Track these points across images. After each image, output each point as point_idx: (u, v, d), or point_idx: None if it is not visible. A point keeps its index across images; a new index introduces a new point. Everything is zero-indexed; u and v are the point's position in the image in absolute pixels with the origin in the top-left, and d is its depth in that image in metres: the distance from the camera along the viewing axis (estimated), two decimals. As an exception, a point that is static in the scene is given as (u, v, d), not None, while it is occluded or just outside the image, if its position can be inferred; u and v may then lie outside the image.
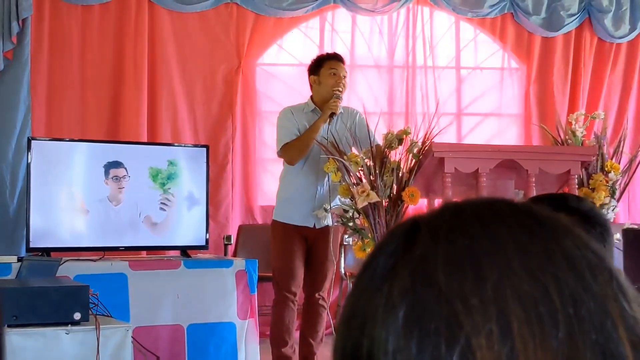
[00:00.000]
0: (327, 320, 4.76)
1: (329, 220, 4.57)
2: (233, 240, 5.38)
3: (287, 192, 4.63)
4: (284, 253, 4.55)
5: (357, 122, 4.68)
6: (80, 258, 4.37)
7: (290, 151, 4.57)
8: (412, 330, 0.56)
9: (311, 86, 4.68)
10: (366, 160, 4.27)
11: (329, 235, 4.59)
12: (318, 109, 4.56)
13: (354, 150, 4.51)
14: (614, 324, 0.56)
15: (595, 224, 1.36)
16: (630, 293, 0.59)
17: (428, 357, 0.55)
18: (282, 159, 4.64)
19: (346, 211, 4.33)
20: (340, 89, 4.57)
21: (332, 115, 4.50)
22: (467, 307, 0.55)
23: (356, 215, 4.31)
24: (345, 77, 4.64)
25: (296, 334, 4.68)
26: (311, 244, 4.60)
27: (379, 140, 4.42)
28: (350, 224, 4.31)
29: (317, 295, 4.58)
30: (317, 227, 4.56)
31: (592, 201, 4.15)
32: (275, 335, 4.57)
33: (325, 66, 4.63)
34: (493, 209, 0.61)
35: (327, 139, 4.48)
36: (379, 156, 4.27)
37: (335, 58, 4.70)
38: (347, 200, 4.48)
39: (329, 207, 4.53)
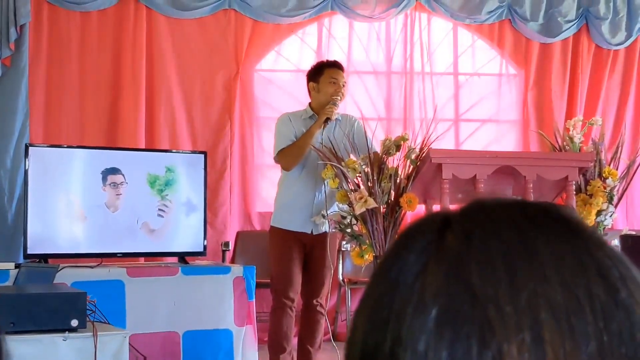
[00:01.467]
0: (325, 326, 4.75)
1: (326, 227, 4.57)
2: (231, 247, 5.37)
3: (285, 198, 4.63)
4: (282, 259, 4.55)
5: (355, 129, 4.69)
6: (78, 265, 4.37)
7: (286, 157, 4.58)
8: (444, 332, 0.56)
9: (310, 92, 4.68)
10: (364, 167, 4.27)
11: (326, 242, 4.58)
12: (316, 115, 4.57)
13: (352, 157, 4.51)
14: None
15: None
16: None
17: None
18: (279, 165, 4.65)
19: (344, 217, 4.33)
20: (339, 97, 4.58)
21: (326, 120, 4.50)
22: (500, 314, 0.55)
23: (354, 221, 4.31)
24: (344, 85, 4.65)
25: (294, 341, 4.68)
26: (309, 250, 4.60)
27: (377, 147, 4.42)
28: (348, 230, 4.31)
29: (315, 301, 4.57)
30: (314, 233, 4.56)
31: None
32: (273, 342, 4.56)
33: (325, 74, 4.63)
34: (527, 214, 0.61)
35: (324, 145, 4.48)
36: (377, 162, 4.27)
37: (336, 66, 4.70)
38: (345, 207, 4.47)
39: (327, 213, 4.53)
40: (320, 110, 4.55)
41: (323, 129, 4.52)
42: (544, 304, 0.55)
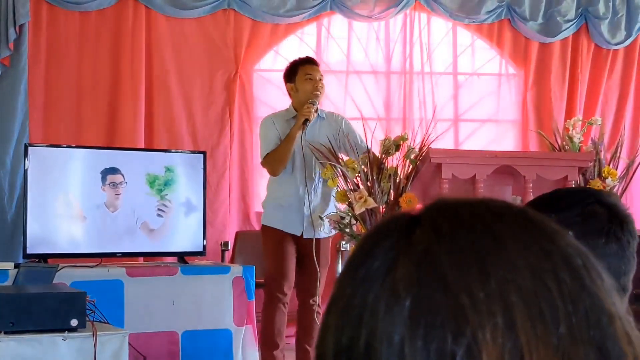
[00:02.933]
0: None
1: (322, 231, 4.54)
2: (230, 247, 5.37)
3: (274, 199, 4.62)
4: (275, 254, 4.54)
5: (343, 127, 4.67)
6: (77, 265, 4.37)
7: (271, 162, 4.58)
8: (418, 322, 0.57)
9: (289, 94, 4.68)
10: (362, 167, 4.27)
11: (319, 244, 4.56)
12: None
13: (342, 156, 4.51)
14: (610, 321, 0.59)
15: (621, 218, 1.36)
16: (614, 293, 0.61)
17: (434, 349, 0.56)
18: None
19: (343, 218, 4.33)
20: (319, 93, 4.56)
21: (306, 122, 4.47)
22: (473, 302, 0.56)
23: (353, 221, 4.31)
24: (321, 79, 4.62)
25: (291, 340, 4.67)
26: (302, 250, 4.59)
27: (369, 144, 4.40)
28: (347, 230, 4.30)
29: (311, 301, 4.56)
30: (305, 237, 4.54)
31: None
32: (265, 338, 4.55)
33: (299, 72, 4.61)
34: (490, 208, 0.63)
35: (302, 146, 4.47)
36: (376, 162, 4.26)
37: (309, 62, 4.69)
38: (342, 207, 4.47)
39: (323, 215, 4.52)
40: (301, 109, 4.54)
41: (303, 130, 4.48)
42: (514, 289, 0.57)
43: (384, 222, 0.64)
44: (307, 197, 4.53)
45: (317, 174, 4.57)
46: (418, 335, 0.57)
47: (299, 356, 4.61)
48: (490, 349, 0.56)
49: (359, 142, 4.57)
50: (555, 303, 0.57)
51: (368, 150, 4.51)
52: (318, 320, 4.61)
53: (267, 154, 4.57)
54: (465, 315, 0.56)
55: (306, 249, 4.55)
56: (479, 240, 0.59)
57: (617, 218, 1.34)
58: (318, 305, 4.60)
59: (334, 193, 4.64)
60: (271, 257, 4.58)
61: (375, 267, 0.60)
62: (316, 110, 4.59)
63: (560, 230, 0.63)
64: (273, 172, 4.62)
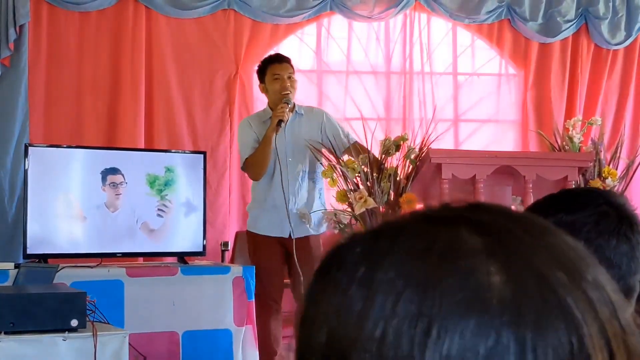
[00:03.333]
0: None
1: (310, 230, 4.53)
2: (230, 247, 5.37)
3: (258, 203, 4.61)
4: (260, 261, 4.55)
5: (325, 122, 4.66)
6: (78, 265, 4.37)
7: (251, 167, 4.58)
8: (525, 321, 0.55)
9: (263, 93, 4.70)
10: (362, 167, 4.27)
11: (309, 242, 4.56)
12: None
13: (325, 152, 4.52)
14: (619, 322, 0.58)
15: (631, 219, 1.37)
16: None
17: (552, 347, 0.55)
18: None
19: (336, 215, 4.32)
20: (288, 92, 4.54)
21: (280, 123, 4.46)
22: (575, 299, 0.57)
23: (344, 218, 4.31)
24: (290, 77, 4.60)
25: (289, 341, 4.67)
26: (291, 252, 4.58)
27: (369, 144, 4.40)
28: (348, 230, 4.31)
29: None
30: (294, 237, 4.53)
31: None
32: (263, 346, 4.55)
33: (268, 72, 4.62)
34: (537, 226, 0.64)
35: (285, 145, 4.47)
36: (376, 164, 4.26)
37: (277, 60, 4.67)
38: (321, 204, 4.48)
39: (309, 211, 4.50)
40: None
41: (277, 132, 4.47)
42: (594, 286, 0.59)
43: (347, 242, 0.62)
44: (291, 197, 4.51)
45: (302, 172, 4.56)
46: (541, 336, 0.55)
47: None
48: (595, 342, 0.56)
49: (342, 136, 4.58)
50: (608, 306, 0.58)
51: (355, 143, 4.51)
52: None
53: (246, 159, 4.56)
54: (573, 313, 0.56)
55: (297, 249, 4.54)
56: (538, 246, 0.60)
57: (627, 218, 1.35)
58: None
59: (319, 190, 4.64)
60: (257, 265, 4.57)
61: (349, 274, 0.59)
62: (291, 110, 4.59)
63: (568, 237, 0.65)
64: (254, 177, 4.62)
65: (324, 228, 4.64)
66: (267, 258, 4.51)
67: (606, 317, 0.56)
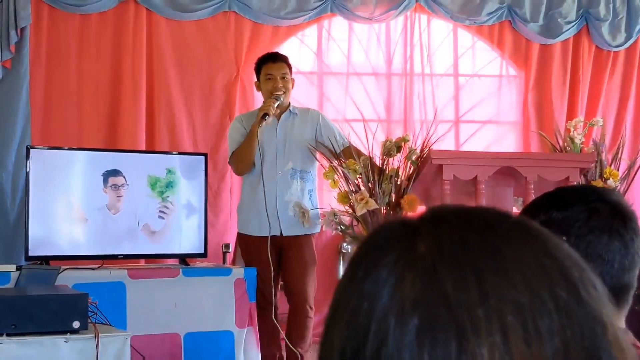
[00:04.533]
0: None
1: (302, 228, 4.52)
2: (231, 248, 5.37)
3: (247, 202, 4.61)
4: (252, 263, 4.54)
5: (320, 124, 4.66)
6: (79, 267, 4.37)
7: (234, 163, 4.59)
8: (424, 339, 0.60)
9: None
10: (364, 168, 4.27)
11: (302, 243, 4.55)
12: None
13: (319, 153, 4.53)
14: (604, 331, 0.62)
15: (624, 215, 1.36)
16: (609, 303, 0.65)
17: None
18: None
19: (335, 215, 4.32)
20: (280, 92, 4.54)
21: (264, 116, 4.46)
22: (473, 320, 0.59)
23: (344, 219, 4.30)
24: (285, 77, 4.60)
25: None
26: (283, 252, 4.57)
27: (369, 145, 4.40)
28: (349, 231, 4.31)
29: (304, 306, 4.53)
30: (284, 234, 4.53)
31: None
32: (262, 349, 4.55)
33: (262, 72, 4.63)
34: (489, 221, 0.65)
35: (276, 143, 4.48)
36: (376, 169, 4.25)
37: (270, 60, 4.67)
38: (312, 205, 4.48)
39: (299, 206, 4.50)
40: None
41: (260, 125, 4.45)
42: (511, 306, 0.60)
43: (382, 232, 0.66)
44: (279, 195, 4.51)
45: (292, 171, 4.56)
46: (424, 352, 0.59)
47: (291, 358, 4.58)
48: None
49: (337, 137, 4.58)
50: (551, 317, 0.60)
51: (349, 146, 4.52)
52: (310, 324, 4.58)
53: (232, 154, 4.58)
54: (466, 334, 0.59)
55: (287, 248, 4.54)
56: (478, 258, 0.62)
57: (620, 215, 1.35)
58: (310, 307, 4.56)
59: (310, 188, 4.64)
60: (249, 266, 4.58)
61: (382, 280, 0.63)
62: (284, 109, 4.59)
63: (558, 242, 0.65)
64: (238, 172, 4.64)
65: (317, 228, 4.64)
66: (258, 259, 4.51)
67: (517, 341, 0.59)
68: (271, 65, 4.61)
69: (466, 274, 0.61)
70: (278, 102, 4.50)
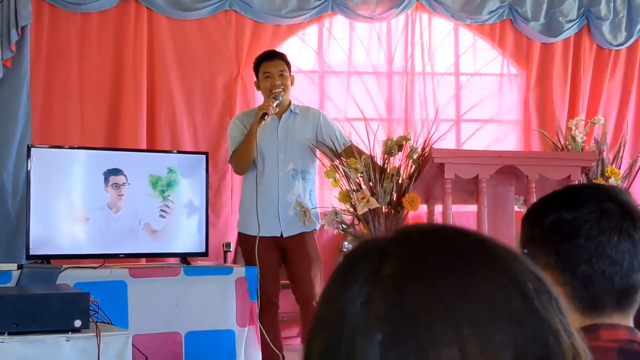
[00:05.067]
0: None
1: (302, 226, 4.52)
2: (233, 248, 5.37)
3: (248, 201, 4.60)
4: (252, 263, 4.54)
5: (321, 123, 4.65)
6: (80, 265, 4.37)
7: (234, 162, 4.58)
8: (388, 354, 0.64)
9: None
10: (365, 167, 4.26)
11: (304, 240, 4.55)
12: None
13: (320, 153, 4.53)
14: (557, 339, 0.66)
15: (633, 215, 1.36)
16: (566, 310, 0.69)
17: None
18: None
19: (337, 214, 4.31)
20: (279, 90, 4.53)
21: (264, 115, 4.45)
22: (432, 335, 0.64)
23: (345, 218, 4.30)
24: (283, 74, 4.59)
25: (296, 341, 4.66)
26: (285, 251, 4.56)
27: (370, 144, 4.39)
28: (351, 229, 4.30)
29: (312, 304, 4.53)
30: (285, 235, 4.52)
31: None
32: (265, 349, 4.55)
33: (260, 70, 4.62)
34: (450, 241, 0.70)
35: (277, 142, 4.47)
36: (378, 169, 4.25)
37: (267, 58, 4.66)
38: (312, 205, 4.48)
39: (302, 206, 4.49)
40: None
41: (259, 124, 4.45)
42: (468, 320, 0.64)
43: (357, 252, 0.72)
44: (281, 195, 4.50)
45: (293, 171, 4.56)
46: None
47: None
48: None
49: (338, 137, 4.58)
50: (505, 329, 0.65)
51: (350, 145, 4.52)
52: None
53: (232, 153, 4.58)
54: (426, 348, 0.64)
55: (290, 248, 4.53)
56: (438, 276, 0.67)
57: (630, 215, 1.34)
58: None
59: (311, 188, 4.64)
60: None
61: (352, 298, 0.68)
62: (285, 108, 4.59)
63: (515, 257, 0.70)
64: (237, 171, 4.63)
65: (317, 225, 4.64)
66: (259, 259, 4.50)
67: (473, 352, 0.63)
68: (268, 63, 4.60)
69: (427, 292, 0.66)
70: (277, 102, 4.49)
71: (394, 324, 0.65)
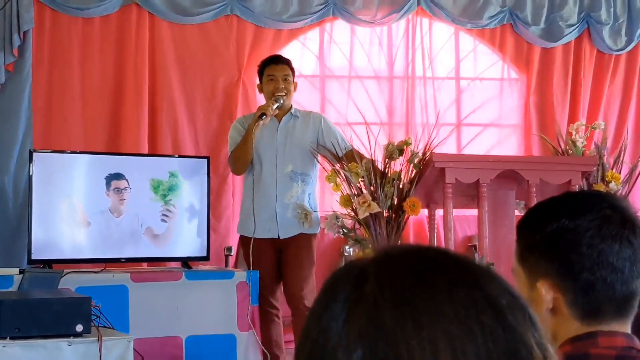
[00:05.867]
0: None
1: (300, 228, 4.53)
2: (234, 252, 5.38)
3: (247, 203, 4.61)
4: (252, 265, 4.54)
5: (322, 127, 4.67)
6: (82, 270, 4.37)
7: (232, 162, 4.60)
8: None
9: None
10: (366, 171, 4.26)
11: (299, 242, 4.55)
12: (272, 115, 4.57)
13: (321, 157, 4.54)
14: (529, 352, 0.69)
15: (633, 222, 1.37)
16: (538, 324, 0.72)
17: None
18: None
19: (337, 218, 4.32)
20: (281, 94, 4.55)
21: (262, 116, 4.47)
22: (408, 349, 0.67)
23: (346, 222, 4.31)
24: (287, 79, 4.62)
25: (290, 345, 4.67)
26: (282, 254, 4.57)
27: (371, 148, 4.40)
28: (352, 234, 4.31)
29: (300, 307, 4.53)
30: (282, 237, 4.53)
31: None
32: (267, 353, 4.55)
33: (264, 73, 4.65)
34: (427, 262, 0.74)
35: (277, 145, 4.48)
36: (378, 172, 4.25)
37: (272, 62, 4.70)
38: (311, 208, 4.48)
39: (299, 213, 4.50)
40: None
41: (257, 125, 4.46)
42: (442, 335, 0.68)
43: (340, 273, 0.76)
44: (279, 197, 4.51)
45: (292, 173, 4.56)
46: None
47: None
48: None
49: (339, 141, 4.59)
50: (478, 343, 0.68)
51: (351, 150, 4.53)
52: None
53: (230, 154, 4.59)
54: None
55: (285, 249, 4.54)
56: (415, 294, 0.70)
57: (630, 222, 1.35)
58: (306, 307, 4.55)
59: (310, 191, 4.65)
60: (250, 269, 4.58)
61: (334, 316, 0.72)
62: (285, 111, 4.61)
63: (490, 275, 0.73)
64: (235, 171, 4.65)
65: (316, 229, 4.64)
66: (258, 261, 4.51)
67: None
68: (274, 67, 4.64)
69: (404, 310, 0.69)
70: (278, 104, 4.52)
71: (372, 341, 0.68)
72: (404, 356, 0.67)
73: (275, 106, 4.50)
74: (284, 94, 4.55)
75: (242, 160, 4.53)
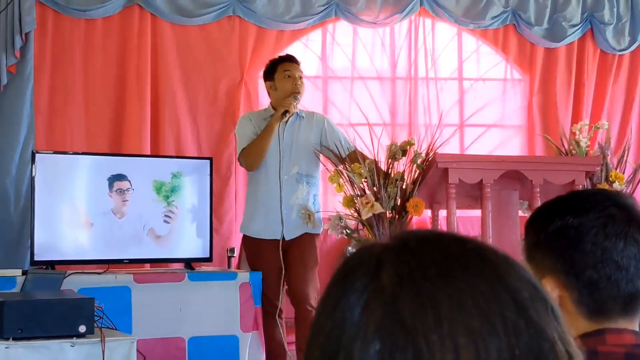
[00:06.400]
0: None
1: (304, 228, 4.52)
2: (237, 253, 5.37)
3: (251, 204, 4.61)
4: (255, 266, 4.54)
5: (325, 128, 4.66)
6: (85, 271, 4.37)
7: (247, 156, 4.57)
8: None
9: (269, 93, 4.71)
10: (369, 172, 4.26)
11: (303, 242, 4.55)
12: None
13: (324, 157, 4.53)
14: (552, 347, 0.68)
15: (639, 221, 1.36)
16: (562, 318, 0.71)
17: None
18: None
19: (341, 219, 4.31)
20: (299, 91, 4.56)
21: (284, 113, 4.46)
22: (428, 344, 0.65)
23: (349, 222, 4.30)
24: (300, 78, 4.62)
25: (291, 347, 4.66)
26: (286, 254, 4.57)
27: (375, 149, 4.40)
28: (355, 234, 4.30)
29: (305, 307, 4.52)
30: (286, 238, 4.52)
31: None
32: (270, 353, 4.55)
33: (279, 70, 4.63)
34: (446, 250, 0.71)
35: (280, 145, 4.48)
36: (381, 173, 4.25)
37: (289, 60, 4.69)
38: (315, 209, 4.48)
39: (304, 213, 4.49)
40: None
41: (285, 121, 4.46)
42: (463, 330, 0.66)
43: (354, 261, 0.73)
44: (284, 198, 4.51)
45: (297, 175, 4.56)
46: None
47: None
48: None
49: (342, 142, 4.58)
50: (500, 338, 0.66)
51: (354, 151, 4.52)
52: None
53: (244, 148, 4.56)
54: (422, 357, 0.65)
55: (290, 251, 4.53)
56: (435, 286, 0.68)
57: (635, 220, 1.35)
58: (313, 308, 4.54)
59: (315, 192, 4.64)
60: (252, 269, 4.57)
61: (350, 308, 0.69)
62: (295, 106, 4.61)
63: (511, 265, 0.71)
64: (249, 166, 4.61)
65: (319, 229, 4.64)
66: (261, 262, 4.50)
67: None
68: (290, 64, 4.65)
69: (423, 302, 0.67)
70: (296, 102, 4.54)
71: (391, 334, 0.66)
72: (423, 351, 0.65)
73: (295, 103, 4.51)
74: (299, 91, 4.57)
75: (260, 154, 4.51)
